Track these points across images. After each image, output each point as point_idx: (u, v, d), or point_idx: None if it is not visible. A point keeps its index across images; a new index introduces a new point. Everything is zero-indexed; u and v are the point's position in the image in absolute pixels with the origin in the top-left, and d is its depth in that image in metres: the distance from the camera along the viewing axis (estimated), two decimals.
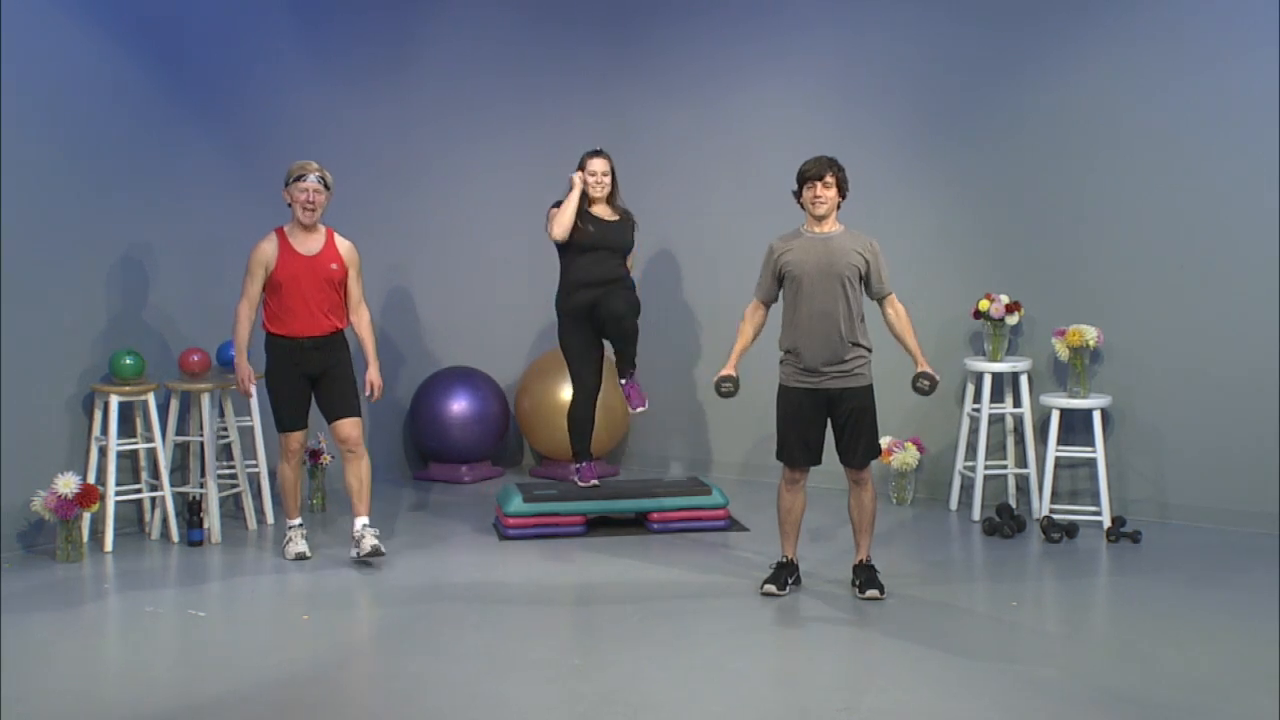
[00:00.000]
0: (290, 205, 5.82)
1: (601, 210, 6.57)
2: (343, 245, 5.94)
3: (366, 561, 5.83)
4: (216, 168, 6.86)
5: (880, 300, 5.44)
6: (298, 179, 5.78)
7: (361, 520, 5.90)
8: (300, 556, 5.95)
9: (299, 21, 7.30)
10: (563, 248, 6.55)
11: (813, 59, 7.57)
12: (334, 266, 5.87)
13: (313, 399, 5.97)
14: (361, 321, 6.00)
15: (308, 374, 5.88)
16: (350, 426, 5.92)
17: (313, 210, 5.80)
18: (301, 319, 5.81)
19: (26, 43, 5.97)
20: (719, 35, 7.82)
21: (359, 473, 5.94)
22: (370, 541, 5.81)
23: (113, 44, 6.36)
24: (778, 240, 5.46)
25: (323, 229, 5.91)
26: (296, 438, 5.95)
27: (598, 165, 6.56)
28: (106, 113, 6.34)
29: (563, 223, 6.43)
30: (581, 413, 6.68)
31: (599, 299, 6.49)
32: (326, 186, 5.83)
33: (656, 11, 8.03)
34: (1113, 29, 6.76)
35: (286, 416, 5.91)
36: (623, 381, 6.67)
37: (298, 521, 6.05)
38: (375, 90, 7.67)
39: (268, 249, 5.80)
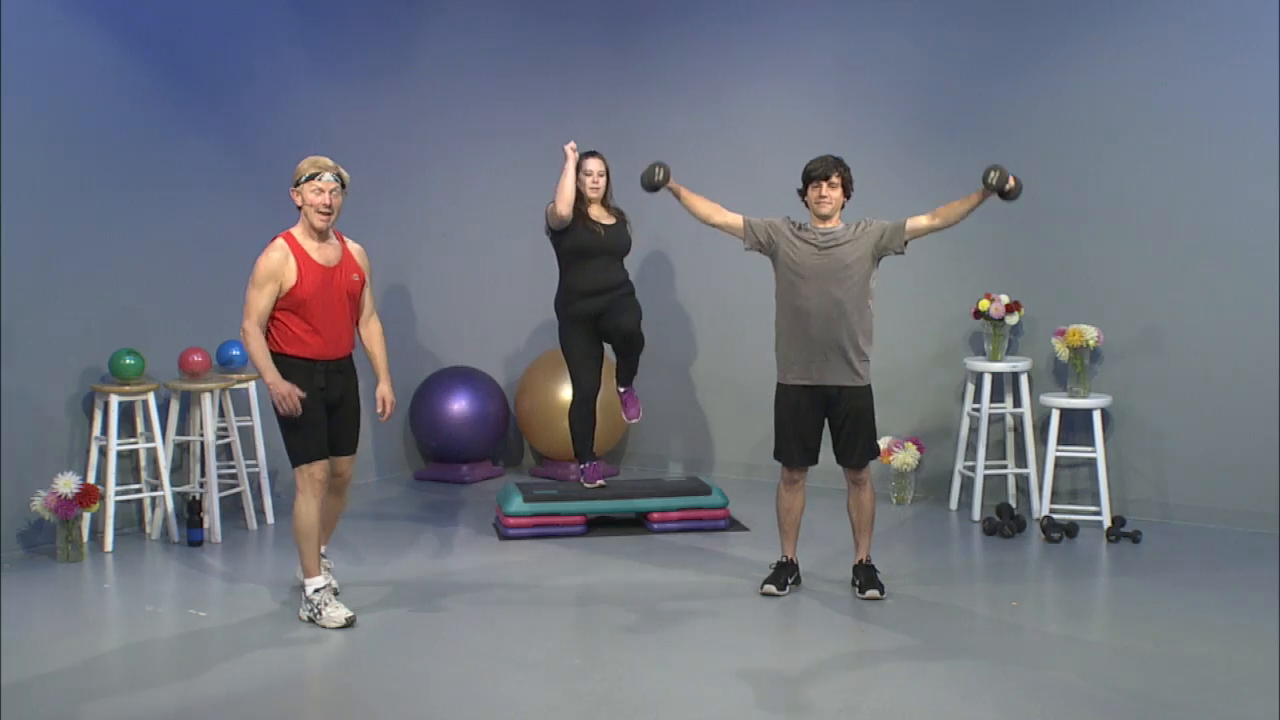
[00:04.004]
0: (300, 208, 4.99)
1: (598, 213, 6.55)
2: (355, 249, 5.18)
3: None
4: (217, 167, 6.87)
5: (909, 229, 5.31)
6: (311, 178, 4.96)
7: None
8: (349, 622, 5.01)
9: (299, 21, 7.30)
10: (562, 253, 6.52)
11: (812, 59, 7.57)
12: (355, 277, 5.10)
13: None
14: (374, 333, 5.26)
15: (327, 400, 5.08)
16: (349, 464, 5.26)
17: (330, 214, 4.97)
18: (326, 340, 5.01)
19: (27, 43, 5.97)
20: (719, 35, 7.82)
21: (337, 508, 5.35)
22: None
23: (113, 43, 6.36)
24: (791, 224, 5.37)
25: (332, 233, 5.11)
26: (321, 468, 5.06)
27: (593, 165, 6.53)
28: (107, 112, 6.34)
29: (565, 196, 6.35)
30: (582, 413, 6.69)
31: (606, 308, 6.50)
32: (343, 186, 5.04)
33: (656, 11, 8.03)
34: (1113, 29, 6.76)
35: (312, 446, 5.03)
36: (621, 390, 6.69)
37: (322, 583, 5.09)
38: (375, 90, 7.67)
39: (279, 259, 4.92)
